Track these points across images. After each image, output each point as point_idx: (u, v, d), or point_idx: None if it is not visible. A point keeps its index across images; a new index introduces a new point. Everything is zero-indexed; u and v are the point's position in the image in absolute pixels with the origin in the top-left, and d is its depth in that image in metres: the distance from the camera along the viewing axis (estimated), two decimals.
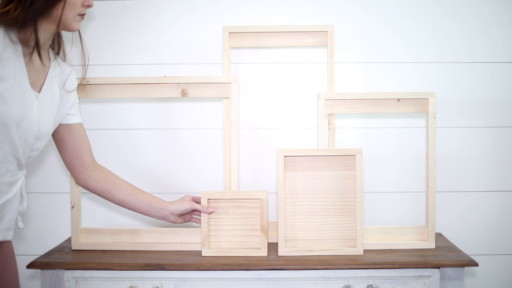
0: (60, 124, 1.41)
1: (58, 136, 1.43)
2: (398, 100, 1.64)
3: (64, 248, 1.67)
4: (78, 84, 1.45)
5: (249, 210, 1.59)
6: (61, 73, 1.37)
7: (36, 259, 1.54)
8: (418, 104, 1.64)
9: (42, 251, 1.73)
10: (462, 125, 1.87)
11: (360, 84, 1.87)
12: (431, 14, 1.86)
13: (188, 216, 1.59)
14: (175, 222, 1.56)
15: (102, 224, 1.89)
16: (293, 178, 1.61)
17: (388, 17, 1.86)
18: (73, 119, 1.43)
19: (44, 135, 1.31)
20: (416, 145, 1.87)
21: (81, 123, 1.46)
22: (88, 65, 1.43)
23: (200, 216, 1.59)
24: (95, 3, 1.84)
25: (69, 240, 1.73)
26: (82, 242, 1.65)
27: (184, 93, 1.65)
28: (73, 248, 1.65)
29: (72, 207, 1.65)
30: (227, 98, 1.70)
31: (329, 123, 1.78)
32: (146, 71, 1.87)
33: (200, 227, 1.61)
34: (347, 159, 1.60)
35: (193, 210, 1.58)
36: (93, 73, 1.84)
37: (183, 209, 1.54)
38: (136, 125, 1.89)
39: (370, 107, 1.65)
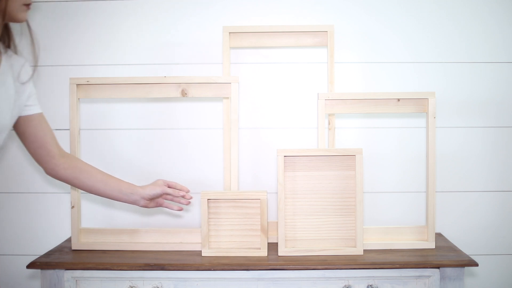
0: (19, 117, 1.39)
1: (20, 129, 1.41)
2: (398, 100, 1.64)
3: (64, 248, 1.67)
4: (32, 74, 1.40)
5: (249, 210, 1.59)
6: (12, 66, 1.34)
7: (36, 259, 1.54)
8: (418, 104, 1.64)
9: (42, 251, 1.73)
10: (462, 125, 1.87)
11: (360, 84, 1.87)
12: (431, 14, 1.86)
13: (160, 201, 1.57)
14: (146, 207, 1.54)
15: (102, 224, 1.89)
16: (293, 178, 1.61)
17: (388, 17, 1.86)
18: (32, 110, 1.41)
19: (2, 129, 1.30)
20: (416, 145, 1.87)
21: (41, 113, 1.43)
22: (38, 61, 1.38)
23: (173, 200, 1.57)
24: (97, 3, 1.86)
25: (69, 240, 1.73)
26: (82, 242, 1.65)
27: (184, 93, 1.65)
28: (73, 248, 1.65)
29: (72, 207, 1.65)
30: (227, 98, 1.70)
31: (329, 123, 1.78)
32: (146, 71, 1.87)
33: (172, 212, 1.55)
34: (347, 159, 1.60)
35: (165, 194, 1.56)
36: (93, 73, 1.85)
37: (154, 193, 1.53)
38: (136, 125, 1.89)
39: (370, 107, 1.65)
